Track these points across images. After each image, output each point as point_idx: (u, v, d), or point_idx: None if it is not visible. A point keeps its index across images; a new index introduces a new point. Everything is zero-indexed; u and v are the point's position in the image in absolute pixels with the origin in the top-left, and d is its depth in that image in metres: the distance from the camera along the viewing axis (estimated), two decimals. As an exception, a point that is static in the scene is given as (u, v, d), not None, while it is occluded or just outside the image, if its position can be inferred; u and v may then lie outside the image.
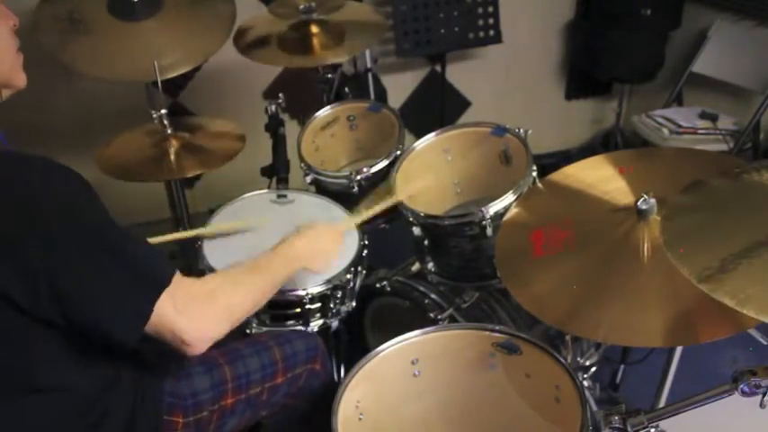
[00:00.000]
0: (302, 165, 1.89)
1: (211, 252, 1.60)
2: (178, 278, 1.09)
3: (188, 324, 1.07)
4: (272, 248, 1.33)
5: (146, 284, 1.05)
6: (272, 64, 2.12)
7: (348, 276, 1.59)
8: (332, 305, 1.59)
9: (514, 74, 3.25)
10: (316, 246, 1.41)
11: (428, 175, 1.77)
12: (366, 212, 1.62)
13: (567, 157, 3.26)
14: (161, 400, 1.24)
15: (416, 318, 1.71)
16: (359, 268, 1.65)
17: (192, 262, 2.33)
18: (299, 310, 1.55)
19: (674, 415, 1.05)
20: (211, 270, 1.55)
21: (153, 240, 1.41)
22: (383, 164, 1.80)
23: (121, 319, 1.03)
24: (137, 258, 1.06)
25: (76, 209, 1.01)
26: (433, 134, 1.83)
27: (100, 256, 1.01)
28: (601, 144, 3.43)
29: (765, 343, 1.99)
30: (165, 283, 1.06)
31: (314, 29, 2.05)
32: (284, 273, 1.31)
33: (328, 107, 2.05)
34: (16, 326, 0.99)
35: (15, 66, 1.14)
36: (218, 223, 1.66)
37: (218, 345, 1.41)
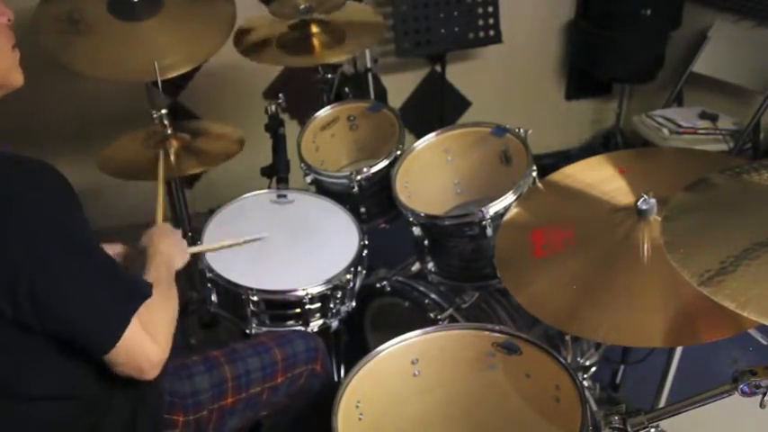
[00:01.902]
0: (302, 165, 1.89)
1: (211, 252, 1.60)
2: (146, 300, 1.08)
3: (153, 342, 1.06)
4: (153, 263, 1.25)
5: (126, 300, 1.05)
6: (272, 63, 2.12)
7: (348, 276, 1.59)
8: (332, 305, 1.59)
9: (514, 74, 3.26)
10: (172, 245, 1.35)
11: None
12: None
13: (567, 157, 3.26)
14: (161, 398, 1.24)
15: (416, 318, 1.71)
16: (359, 268, 1.65)
17: (191, 262, 2.33)
18: (298, 310, 1.55)
19: (674, 415, 1.05)
20: (211, 270, 1.56)
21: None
22: (383, 164, 1.80)
23: (99, 329, 1.01)
24: (116, 275, 1.06)
25: (63, 216, 1.00)
26: (433, 134, 1.83)
27: (82, 265, 1.00)
28: (601, 144, 3.44)
29: (765, 343, 1.99)
30: (140, 298, 1.06)
31: (314, 29, 2.05)
32: (172, 279, 1.26)
33: (328, 107, 2.05)
34: (9, 337, 0.98)
35: (12, 64, 1.10)
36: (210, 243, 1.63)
37: (220, 345, 1.42)
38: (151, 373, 1.07)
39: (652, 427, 1.06)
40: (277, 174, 1.99)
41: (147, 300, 1.07)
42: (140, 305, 1.05)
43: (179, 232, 1.41)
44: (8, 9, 1.10)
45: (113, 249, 1.37)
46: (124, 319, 1.02)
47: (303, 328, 1.56)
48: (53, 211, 0.98)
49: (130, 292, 1.07)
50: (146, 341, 1.05)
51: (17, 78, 1.11)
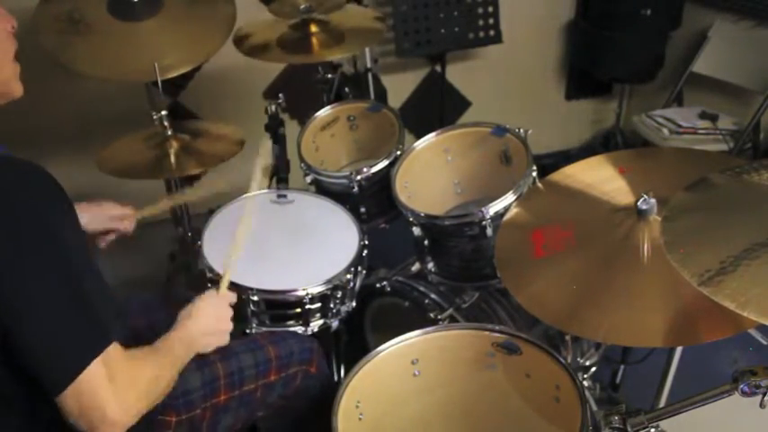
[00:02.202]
0: (302, 165, 1.89)
1: (211, 252, 1.60)
2: (116, 347, 0.98)
3: (115, 397, 0.95)
4: (173, 332, 1.19)
5: (93, 335, 0.96)
6: (272, 61, 2.14)
7: (348, 276, 1.58)
8: (332, 305, 1.59)
9: (514, 74, 3.25)
10: (211, 329, 1.26)
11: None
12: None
13: (567, 157, 3.26)
14: None
15: (416, 318, 1.71)
16: (359, 268, 1.65)
17: (191, 262, 2.33)
18: (299, 310, 1.55)
19: (674, 415, 1.05)
20: (211, 270, 1.56)
21: (141, 213, 1.38)
22: (383, 164, 1.80)
23: (56, 363, 0.93)
24: (92, 305, 0.97)
25: (52, 221, 0.95)
26: (433, 134, 1.83)
27: (57, 289, 0.94)
28: (601, 144, 3.44)
29: (765, 343, 1.99)
30: (109, 340, 0.97)
31: (313, 28, 2.05)
32: (185, 361, 1.18)
33: (328, 107, 2.05)
34: None
35: (12, 75, 1.09)
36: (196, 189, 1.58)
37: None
38: (109, 429, 0.96)
39: (652, 427, 1.06)
40: (277, 174, 1.99)
41: (134, 350, 1.01)
42: (108, 345, 0.96)
43: (229, 313, 1.30)
44: (12, 17, 1.09)
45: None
46: (87, 354, 0.93)
47: (302, 329, 1.56)
48: (42, 214, 0.94)
49: (105, 324, 0.98)
50: (106, 392, 0.94)
51: (16, 89, 1.10)
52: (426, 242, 1.70)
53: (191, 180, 2.90)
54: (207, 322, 1.25)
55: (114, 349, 0.98)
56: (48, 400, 0.95)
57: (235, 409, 1.36)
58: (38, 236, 0.93)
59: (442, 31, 2.78)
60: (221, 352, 1.37)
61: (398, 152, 1.81)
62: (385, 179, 1.78)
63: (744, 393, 0.96)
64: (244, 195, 1.81)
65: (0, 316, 0.91)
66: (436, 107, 3.09)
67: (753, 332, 2.01)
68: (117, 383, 0.96)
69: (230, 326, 1.30)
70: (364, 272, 1.71)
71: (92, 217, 1.48)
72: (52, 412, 0.96)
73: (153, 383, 1.06)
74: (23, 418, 1.03)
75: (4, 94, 1.09)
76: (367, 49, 2.71)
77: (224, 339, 1.28)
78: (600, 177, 1.43)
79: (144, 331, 1.47)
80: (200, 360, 1.34)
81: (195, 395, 1.30)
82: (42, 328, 0.93)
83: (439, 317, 1.67)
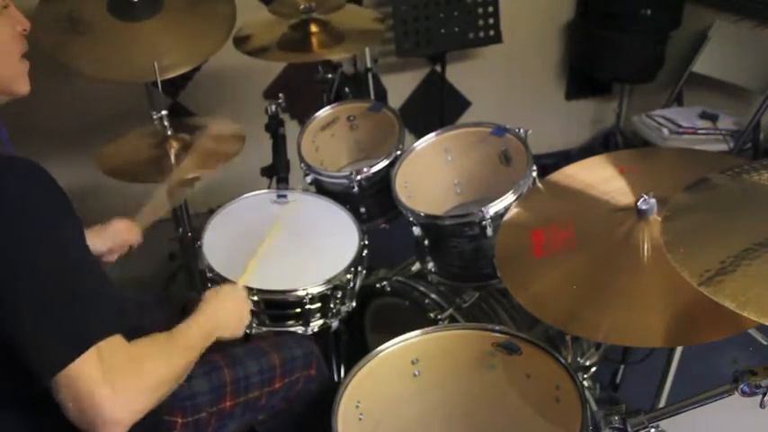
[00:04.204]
0: (302, 165, 1.89)
1: (211, 252, 1.60)
2: (116, 340, 0.95)
3: (112, 396, 0.90)
4: (192, 318, 1.18)
5: (85, 327, 0.93)
6: (272, 60, 2.14)
7: (348, 276, 1.58)
8: (332, 305, 1.59)
9: (514, 74, 3.26)
10: (230, 314, 1.29)
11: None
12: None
13: (567, 157, 3.26)
14: None
15: (416, 318, 1.71)
16: (359, 268, 1.65)
17: (191, 262, 2.34)
18: (298, 310, 1.55)
19: (674, 415, 1.05)
20: (211, 270, 1.56)
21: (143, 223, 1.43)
22: (383, 164, 1.80)
23: (45, 352, 0.91)
24: (88, 297, 0.96)
25: (49, 225, 0.95)
26: (433, 134, 1.83)
27: (53, 281, 0.93)
28: (601, 144, 3.44)
29: (765, 343, 1.99)
30: (103, 334, 0.93)
31: (313, 28, 2.05)
32: (203, 347, 1.16)
33: (328, 107, 2.05)
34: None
35: (19, 73, 1.11)
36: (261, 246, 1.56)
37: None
38: (110, 428, 0.91)
39: (652, 427, 1.06)
40: (277, 174, 1.99)
41: (142, 340, 1.00)
42: (105, 336, 0.93)
43: (249, 305, 1.36)
44: (26, 21, 1.11)
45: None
46: (77, 345, 0.90)
47: (302, 329, 1.56)
48: (39, 208, 0.94)
49: (100, 318, 0.95)
50: (102, 388, 0.90)
51: (22, 87, 1.12)
52: (426, 242, 1.70)
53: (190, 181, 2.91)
54: (226, 311, 1.28)
55: (113, 343, 0.94)
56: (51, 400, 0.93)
57: (240, 415, 1.37)
58: (34, 230, 0.93)
59: (442, 31, 2.78)
60: (227, 358, 1.38)
61: (398, 152, 1.81)
62: (385, 179, 1.78)
63: (744, 393, 0.96)
64: (243, 195, 1.81)
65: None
66: (436, 107, 3.09)
67: (753, 332, 2.01)
68: (116, 379, 0.92)
69: (249, 318, 1.36)
70: (364, 272, 1.71)
71: (101, 239, 1.50)
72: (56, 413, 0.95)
73: (163, 373, 1.01)
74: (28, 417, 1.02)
75: (7, 91, 1.11)
76: (367, 49, 2.70)
77: (241, 330, 1.33)
78: (600, 177, 1.43)
79: (143, 331, 1.47)
80: (208, 365, 1.34)
81: (202, 399, 1.31)
82: (35, 318, 0.91)
83: (439, 317, 1.67)
